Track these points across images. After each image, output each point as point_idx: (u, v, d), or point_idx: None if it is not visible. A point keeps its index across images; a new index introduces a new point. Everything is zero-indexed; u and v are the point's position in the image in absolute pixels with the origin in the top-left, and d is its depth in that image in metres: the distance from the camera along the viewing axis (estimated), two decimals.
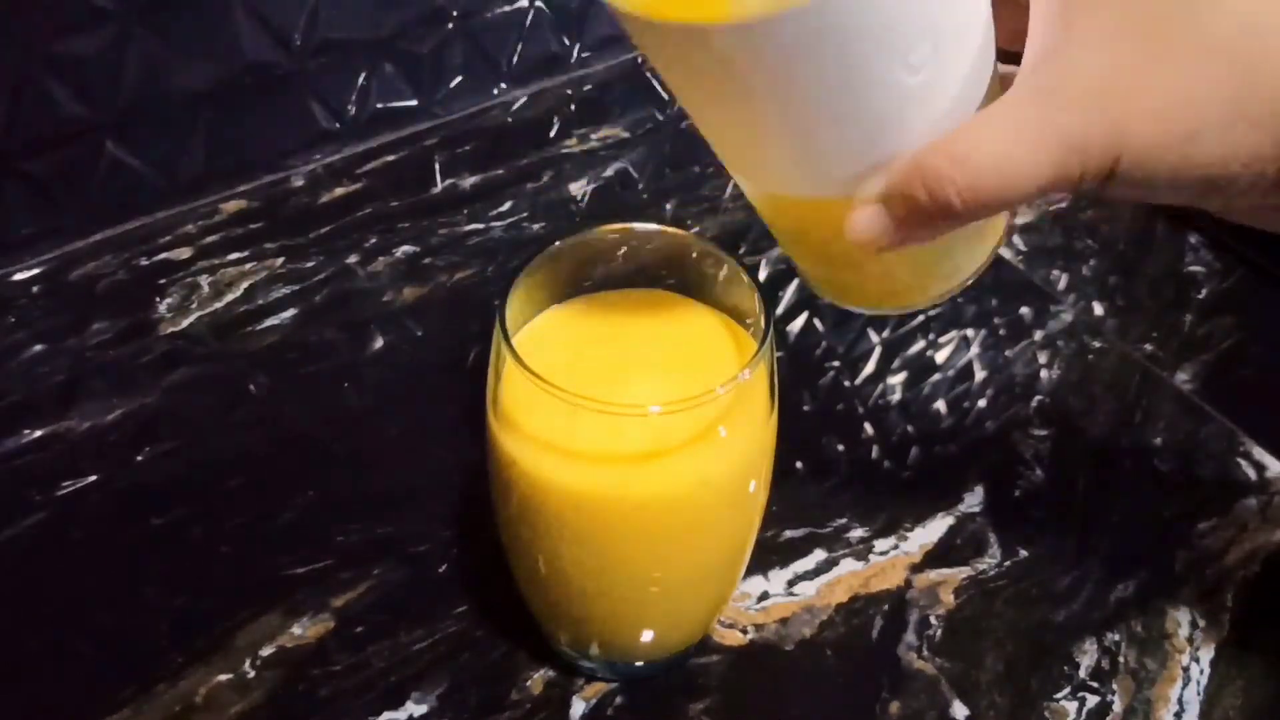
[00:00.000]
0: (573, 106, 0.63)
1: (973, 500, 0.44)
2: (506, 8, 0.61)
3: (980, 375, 0.49)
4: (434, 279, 0.53)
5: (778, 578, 0.41)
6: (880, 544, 0.42)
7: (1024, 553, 0.42)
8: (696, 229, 0.32)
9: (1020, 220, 0.58)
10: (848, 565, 0.41)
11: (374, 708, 0.37)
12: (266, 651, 0.38)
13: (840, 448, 0.46)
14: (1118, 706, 0.38)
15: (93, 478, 0.44)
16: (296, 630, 0.39)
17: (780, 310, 0.52)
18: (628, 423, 0.28)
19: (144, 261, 0.53)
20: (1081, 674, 0.38)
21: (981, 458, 0.46)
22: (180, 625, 0.39)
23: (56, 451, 0.45)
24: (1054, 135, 0.23)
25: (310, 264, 0.53)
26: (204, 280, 0.52)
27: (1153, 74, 0.23)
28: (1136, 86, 0.23)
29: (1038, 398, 0.48)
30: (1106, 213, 0.58)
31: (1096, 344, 0.51)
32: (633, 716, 0.37)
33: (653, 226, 0.33)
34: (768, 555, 0.41)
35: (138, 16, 0.49)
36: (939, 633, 0.39)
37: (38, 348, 0.49)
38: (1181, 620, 0.40)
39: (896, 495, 0.44)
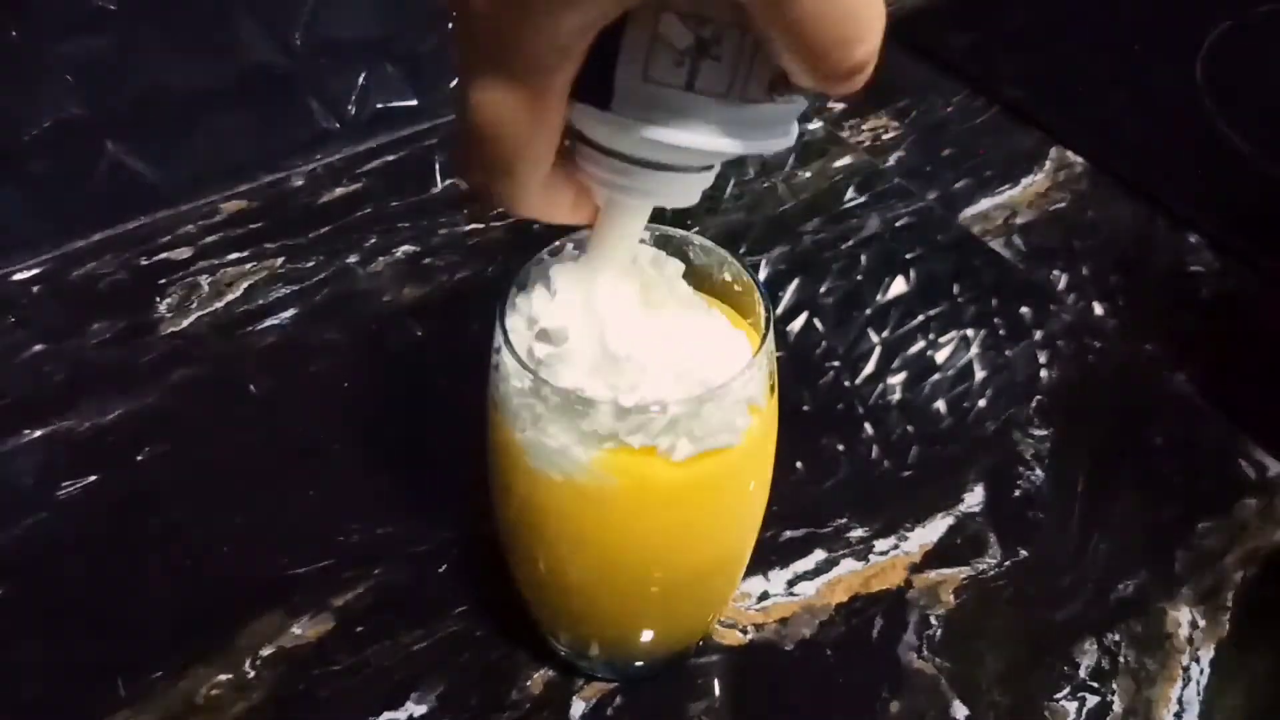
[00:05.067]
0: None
1: (973, 500, 0.44)
2: None
3: (980, 375, 0.49)
4: (434, 279, 0.53)
5: (778, 578, 0.41)
6: (880, 544, 0.42)
7: (1024, 553, 0.42)
8: (696, 229, 0.32)
9: (1020, 220, 0.58)
10: (848, 565, 0.41)
11: (374, 708, 0.37)
12: (266, 651, 0.38)
13: (840, 448, 0.46)
14: (1118, 706, 0.38)
15: (93, 478, 0.44)
16: (296, 630, 0.39)
17: (780, 310, 0.52)
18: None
19: (144, 261, 0.53)
20: (1081, 674, 0.38)
21: (981, 458, 0.46)
22: (180, 625, 0.39)
23: (56, 451, 0.45)
24: None
25: (310, 264, 0.53)
26: (204, 280, 0.52)
27: None
28: None
29: (1038, 398, 0.48)
30: (1106, 212, 0.58)
31: (1096, 344, 0.51)
32: (633, 716, 0.37)
33: (652, 226, 0.33)
34: (768, 555, 0.41)
35: (138, 16, 0.49)
36: (939, 633, 0.39)
37: (38, 348, 0.49)
38: (1181, 620, 0.40)
39: (896, 495, 0.44)
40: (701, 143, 0.23)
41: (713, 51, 0.22)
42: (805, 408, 0.47)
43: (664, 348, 0.28)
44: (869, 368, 0.49)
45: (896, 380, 0.49)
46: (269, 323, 0.50)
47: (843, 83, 0.22)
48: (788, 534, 0.42)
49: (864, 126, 0.64)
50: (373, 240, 0.55)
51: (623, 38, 0.22)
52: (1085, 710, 0.37)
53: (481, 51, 0.22)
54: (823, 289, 0.53)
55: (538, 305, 0.29)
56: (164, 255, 0.54)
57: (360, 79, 0.58)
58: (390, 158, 0.60)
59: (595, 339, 0.28)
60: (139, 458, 0.44)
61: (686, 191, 0.27)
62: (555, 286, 0.29)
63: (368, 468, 0.44)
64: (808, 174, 0.60)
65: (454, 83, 0.23)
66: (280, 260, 0.53)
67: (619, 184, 0.26)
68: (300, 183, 0.58)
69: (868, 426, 0.47)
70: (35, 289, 0.52)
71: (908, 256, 0.55)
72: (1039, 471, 0.45)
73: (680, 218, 0.30)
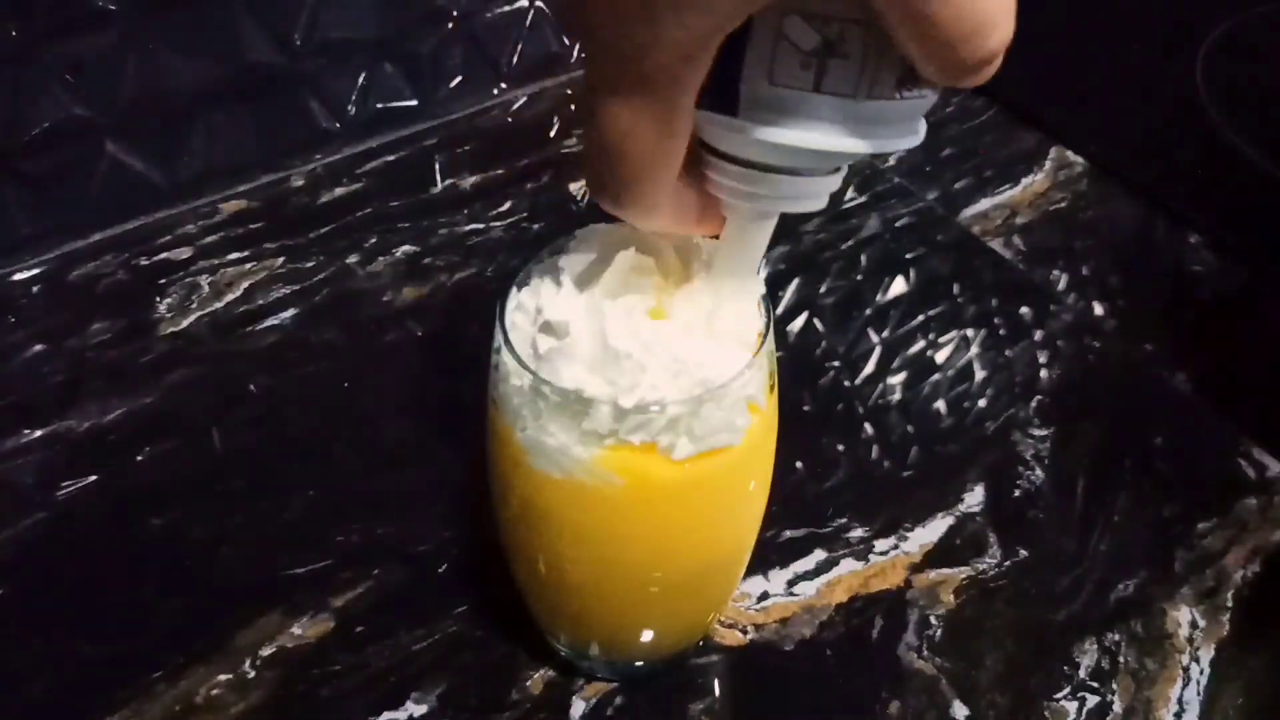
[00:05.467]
0: (573, 106, 0.63)
1: (973, 500, 0.44)
2: (506, 8, 0.61)
3: (980, 375, 0.49)
4: (434, 279, 0.53)
5: (778, 578, 0.41)
6: (880, 544, 0.42)
7: (1024, 553, 0.42)
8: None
9: (1020, 220, 0.58)
10: (848, 565, 0.41)
11: (374, 708, 0.37)
12: (266, 651, 0.38)
13: (840, 448, 0.46)
14: (1118, 706, 0.38)
15: (93, 478, 0.44)
16: (296, 630, 0.39)
17: (780, 310, 0.52)
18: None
19: (144, 261, 0.53)
20: (1081, 674, 0.38)
21: (981, 458, 0.46)
22: (180, 625, 0.39)
23: (56, 451, 0.45)
24: None
25: (310, 264, 0.53)
26: (204, 280, 0.52)
27: None
28: None
29: (1038, 398, 0.48)
30: (1106, 212, 0.59)
31: (1096, 344, 0.51)
32: (633, 716, 0.37)
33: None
34: (768, 555, 0.41)
35: (138, 16, 0.50)
36: (939, 633, 0.39)
37: (38, 348, 0.49)
38: (1181, 620, 0.40)
39: (896, 495, 0.44)
40: (831, 144, 0.23)
41: (839, 50, 0.22)
42: (805, 408, 0.47)
43: (664, 346, 0.28)
44: (869, 368, 0.49)
45: (896, 380, 0.49)
46: (269, 323, 0.50)
47: (973, 75, 0.21)
48: (788, 534, 0.42)
49: None
50: (373, 240, 0.55)
51: (747, 43, 0.22)
52: (1085, 710, 0.37)
53: (607, 65, 0.22)
54: (823, 289, 0.53)
55: (544, 297, 0.29)
56: (164, 255, 0.54)
57: (360, 79, 0.58)
58: (390, 158, 0.60)
59: (598, 334, 0.28)
60: (139, 458, 0.44)
61: (815, 196, 0.26)
62: (563, 280, 0.29)
63: (368, 468, 0.44)
64: None
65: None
66: (280, 260, 0.53)
67: (747, 191, 0.26)
68: (300, 183, 0.58)
69: (868, 426, 0.47)
70: (35, 289, 0.52)
71: (908, 256, 0.55)
72: (1039, 471, 0.45)
73: None
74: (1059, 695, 0.38)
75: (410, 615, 0.39)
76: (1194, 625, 0.40)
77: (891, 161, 0.61)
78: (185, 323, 0.50)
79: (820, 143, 0.23)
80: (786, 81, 0.22)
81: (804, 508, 0.43)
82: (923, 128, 0.25)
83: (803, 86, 0.22)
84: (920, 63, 0.21)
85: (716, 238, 0.29)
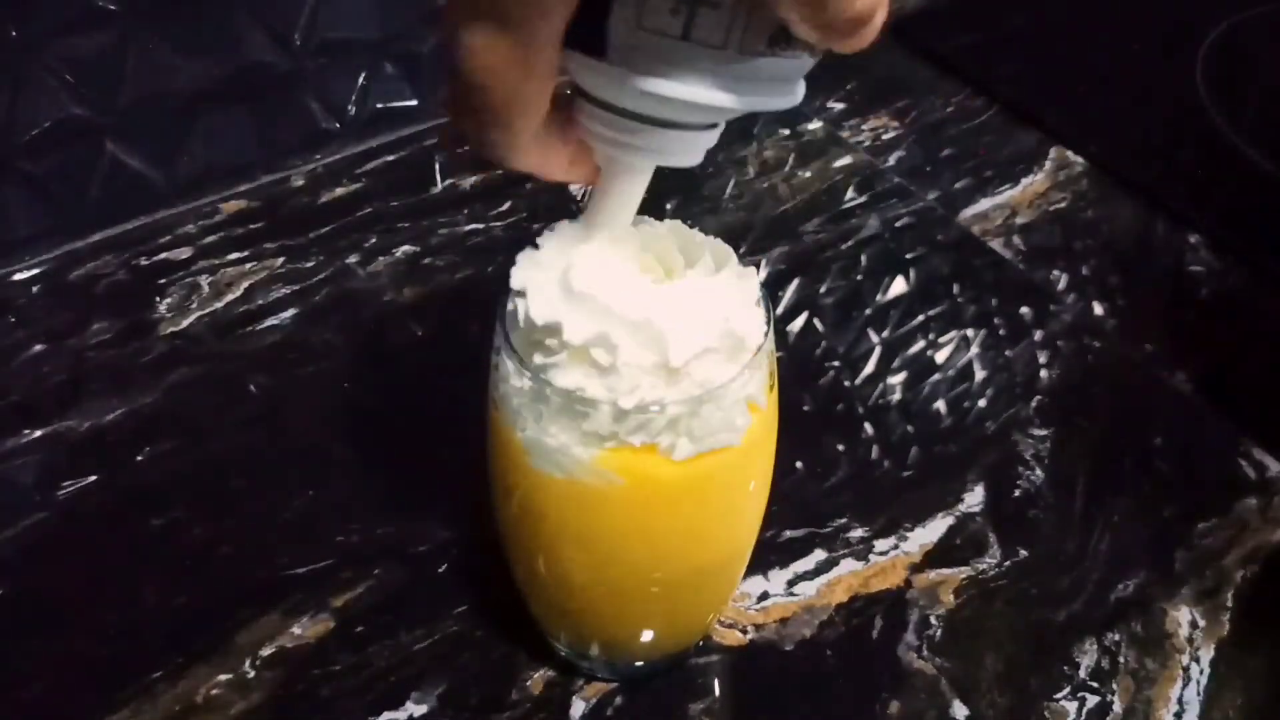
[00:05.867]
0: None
1: (973, 500, 0.44)
2: None
3: (980, 375, 0.49)
4: (434, 279, 0.53)
5: (778, 578, 0.41)
6: (880, 544, 0.42)
7: (1024, 553, 0.42)
8: (696, 228, 0.32)
9: (1020, 220, 0.58)
10: (848, 565, 0.41)
11: (374, 708, 0.37)
12: (266, 651, 0.38)
13: (840, 448, 0.46)
14: (1118, 706, 0.38)
15: (93, 478, 0.44)
16: (296, 630, 0.39)
17: (780, 310, 0.52)
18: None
19: (144, 261, 0.53)
20: (1081, 674, 0.38)
21: (981, 458, 0.46)
22: (180, 625, 0.39)
23: (56, 451, 0.45)
24: None
25: (310, 264, 0.53)
26: (204, 280, 0.52)
27: None
28: None
29: (1038, 398, 0.48)
30: (1106, 212, 0.58)
31: (1096, 344, 0.51)
32: (633, 716, 0.37)
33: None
34: (768, 555, 0.41)
35: (138, 16, 0.50)
36: (939, 633, 0.39)
37: (38, 348, 0.49)
38: (1181, 620, 0.40)
39: (896, 495, 0.44)
40: (697, 96, 0.23)
41: None
42: (805, 408, 0.47)
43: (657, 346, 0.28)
44: (869, 368, 0.49)
45: (896, 380, 0.49)
46: (269, 323, 0.50)
47: (844, 36, 0.21)
48: (788, 534, 0.42)
49: (864, 126, 0.64)
50: (373, 240, 0.55)
51: None
52: (1085, 710, 0.37)
53: None
54: (823, 289, 0.53)
55: (531, 299, 0.29)
56: (164, 255, 0.54)
57: (360, 79, 0.58)
58: (390, 158, 0.60)
59: (590, 332, 0.28)
60: (139, 458, 0.44)
61: (688, 150, 0.26)
62: (540, 280, 0.29)
63: (368, 468, 0.44)
64: (808, 174, 0.60)
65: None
66: (280, 260, 0.53)
67: (618, 140, 0.25)
68: (300, 183, 0.58)
69: (868, 426, 0.47)
70: (35, 289, 0.52)
71: (908, 256, 0.55)
72: (1039, 471, 0.45)
73: (680, 218, 0.30)
74: (1059, 695, 0.38)
75: (410, 615, 0.39)
76: (1194, 625, 0.40)
77: (891, 162, 0.61)
78: (185, 323, 0.50)
79: (685, 93, 0.23)
80: (655, 27, 0.22)
81: (804, 508, 0.43)
82: (800, 90, 0.24)
83: (671, 33, 0.22)
84: (790, 18, 0.21)
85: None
